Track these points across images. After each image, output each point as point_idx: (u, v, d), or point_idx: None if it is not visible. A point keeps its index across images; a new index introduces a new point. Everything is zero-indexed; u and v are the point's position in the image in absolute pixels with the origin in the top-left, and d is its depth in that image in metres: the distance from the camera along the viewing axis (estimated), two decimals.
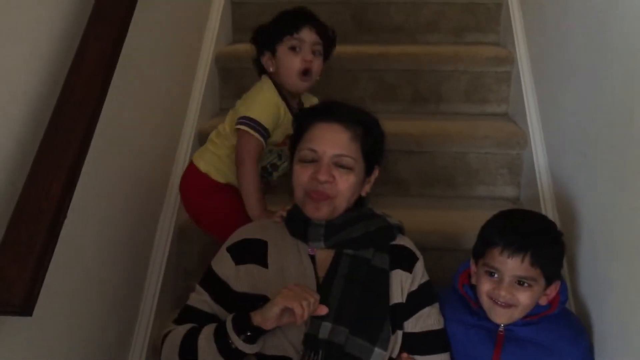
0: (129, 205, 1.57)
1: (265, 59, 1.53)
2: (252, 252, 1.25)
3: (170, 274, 1.78)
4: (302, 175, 1.21)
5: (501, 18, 2.38)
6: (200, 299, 1.23)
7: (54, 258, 1.01)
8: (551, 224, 1.32)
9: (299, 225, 1.25)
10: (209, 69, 2.18)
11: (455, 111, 2.24)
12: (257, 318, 1.09)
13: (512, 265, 1.21)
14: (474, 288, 1.31)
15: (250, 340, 1.10)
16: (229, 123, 1.56)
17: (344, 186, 1.20)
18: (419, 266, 1.28)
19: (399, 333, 1.22)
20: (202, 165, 1.58)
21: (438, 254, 1.70)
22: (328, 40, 1.55)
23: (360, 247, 1.24)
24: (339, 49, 2.28)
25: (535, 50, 2.01)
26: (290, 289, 1.08)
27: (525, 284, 1.23)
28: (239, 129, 1.48)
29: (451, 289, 1.37)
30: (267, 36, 1.51)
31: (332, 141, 1.20)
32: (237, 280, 1.22)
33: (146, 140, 1.68)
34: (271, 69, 1.52)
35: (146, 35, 1.62)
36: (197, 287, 1.26)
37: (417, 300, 1.25)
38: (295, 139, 1.27)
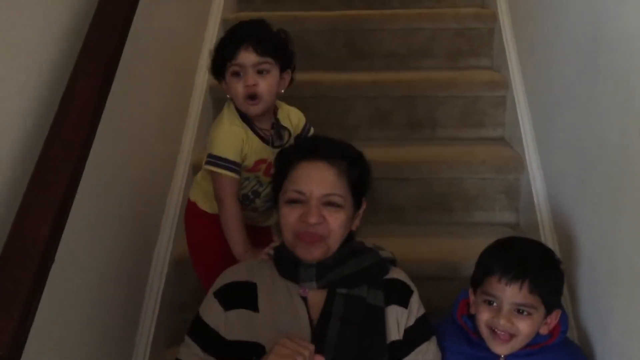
0: (123, 239, 1.55)
1: (223, 87, 1.46)
2: (241, 296, 1.21)
3: (165, 308, 1.75)
4: (290, 217, 1.18)
5: (494, 42, 2.38)
6: (190, 352, 1.19)
7: (42, 302, 0.98)
8: (549, 251, 1.31)
9: (289, 266, 1.22)
10: (203, 99, 2.18)
11: (451, 136, 2.23)
12: None
13: (510, 292, 1.20)
14: (472, 318, 1.28)
15: None
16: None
17: (336, 225, 1.17)
18: (415, 299, 1.25)
19: None
20: (192, 195, 1.57)
21: (436, 282, 1.68)
22: (277, 52, 1.41)
23: (353, 285, 1.21)
24: (333, 76, 2.31)
25: (529, 74, 2.01)
26: (284, 345, 1.03)
27: (525, 312, 1.21)
28: (209, 170, 1.44)
29: (450, 319, 1.35)
30: (214, 65, 1.44)
31: (318, 180, 1.17)
32: (227, 328, 1.18)
33: (140, 173, 1.67)
34: (228, 96, 1.46)
35: (139, 67, 1.61)
36: (187, 339, 1.22)
37: (415, 335, 1.22)
38: (279, 178, 1.23)
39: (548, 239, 1.70)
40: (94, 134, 1.14)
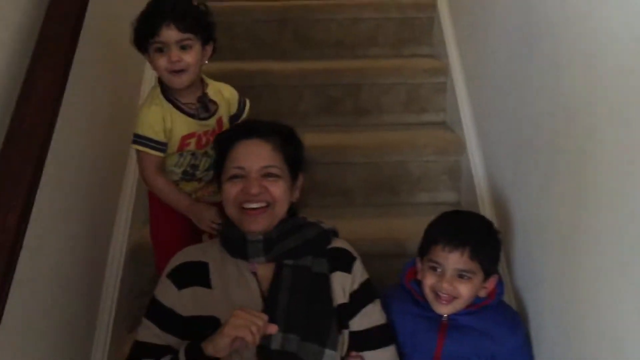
0: (81, 226, 1.58)
1: (146, 59, 1.49)
2: (193, 275, 1.28)
3: (124, 294, 1.79)
4: (232, 190, 1.26)
5: (434, 30, 2.50)
6: (149, 333, 1.24)
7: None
8: (488, 222, 1.44)
9: (237, 244, 1.28)
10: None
11: (396, 122, 2.34)
12: (209, 349, 1.11)
13: (452, 259, 1.32)
14: (419, 283, 1.39)
15: None
16: None
17: (277, 192, 1.26)
18: (357, 265, 1.34)
19: (345, 332, 1.28)
20: None
21: (386, 259, 1.78)
22: (198, 27, 1.43)
23: (299, 256, 1.30)
24: (282, 65, 2.37)
25: (468, 60, 2.13)
26: (238, 316, 1.09)
27: (465, 277, 1.33)
28: (135, 148, 1.50)
29: (398, 286, 1.46)
30: (137, 39, 1.45)
31: (256, 155, 1.27)
32: (182, 306, 1.24)
33: (94, 160, 1.69)
34: (152, 70, 1.50)
35: (92, 59, 1.64)
36: (144, 320, 1.27)
37: (360, 298, 1.31)
38: (219, 160, 1.32)
39: (487, 215, 1.81)
40: (55, 123, 1.17)
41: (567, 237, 1.28)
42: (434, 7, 2.48)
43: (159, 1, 1.44)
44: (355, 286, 1.32)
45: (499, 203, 1.75)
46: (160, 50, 1.42)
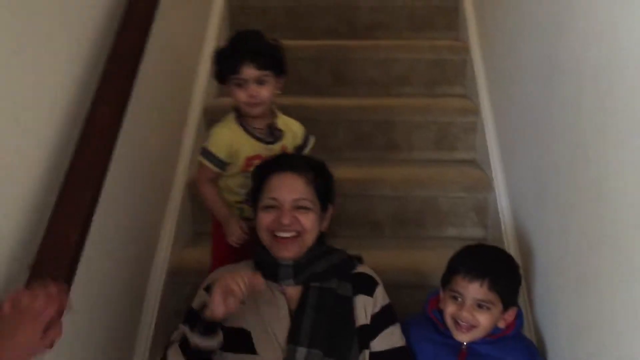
0: (126, 248, 1.69)
1: (227, 89, 1.67)
2: None
3: (163, 314, 1.90)
4: (265, 219, 1.38)
5: (467, 72, 2.59)
6: (180, 332, 1.31)
7: None
8: (508, 256, 1.52)
9: (269, 267, 1.39)
10: (197, 120, 2.35)
11: (426, 158, 2.42)
12: (207, 312, 1.22)
13: (472, 289, 1.39)
14: (441, 312, 1.46)
15: (205, 333, 1.22)
16: None
17: (307, 223, 1.37)
18: (379, 290, 1.43)
19: (366, 352, 1.37)
20: None
21: (411, 290, 1.84)
22: (274, 63, 1.60)
23: (325, 279, 1.39)
24: (318, 101, 2.49)
25: (497, 101, 2.22)
26: (223, 277, 1.22)
27: (484, 307, 1.39)
28: (199, 160, 1.67)
29: (422, 315, 1.53)
30: (218, 76, 1.63)
31: (290, 188, 1.37)
32: None
33: (141, 186, 1.82)
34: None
35: (147, 93, 1.78)
36: (180, 326, 1.35)
37: (380, 320, 1.40)
38: (256, 191, 1.43)
39: (511, 251, 1.88)
40: (112, 151, 1.31)
41: (584, 277, 1.34)
42: (467, 50, 2.58)
43: (239, 41, 1.62)
44: (377, 309, 1.40)
45: (523, 240, 1.81)
46: (239, 85, 1.59)
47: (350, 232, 2.20)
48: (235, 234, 1.64)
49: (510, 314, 1.44)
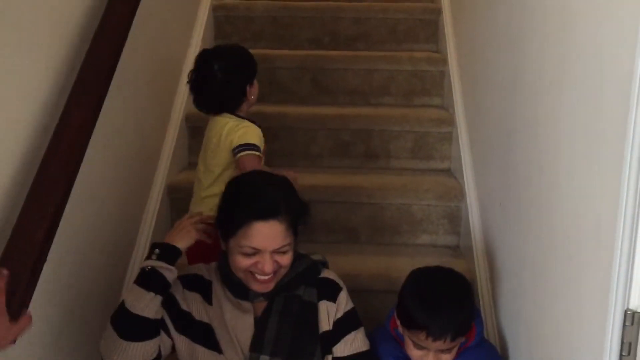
0: (101, 259, 1.74)
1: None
2: (199, 286, 1.40)
3: None
4: (243, 262, 1.28)
5: (444, 83, 2.65)
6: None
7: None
8: (467, 295, 1.43)
9: (239, 289, 1.36)
10: (179, 127, 2.40)
11: (403, 167, 2.47)
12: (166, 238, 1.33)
13: (437, 345, 1.37)
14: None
15: (167, 259, 1.30)
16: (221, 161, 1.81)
17: (286, 262, 1.31)
18: (343, 296, 1.42)
19: (329, 358, 1.38)
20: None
21: (384, 295, 1.89)
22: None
23: (291, 289, 1.39)
24: (299, 110, 2.54)
25: (470, 113, 2.27)
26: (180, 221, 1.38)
27: (449, 350, 1.39)
28: (248, 154, 1.76)
29: (383, 327, 1.54)
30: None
31: (271, 238, 1.27)
32: (183, 300, 1.37)
33: (118, 192, 1.86)
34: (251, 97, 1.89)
35: (124, 96, 1.83)
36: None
37: (343, 326, 1.40)
38: (231, 228, 1.29)
39: (479, 259, 1.93)
40: (84, 153, 1.36)
41: (538, 282, 1.39)
42: (445, 61, 2.64)
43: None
44: (339, 314, 1.41)
45: (489, 248, 1.86)
46: None
47: (327, 237, 2.25)
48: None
49: (471, 331, 1.45)
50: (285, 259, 1.31)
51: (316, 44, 2.93)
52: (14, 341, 1.10)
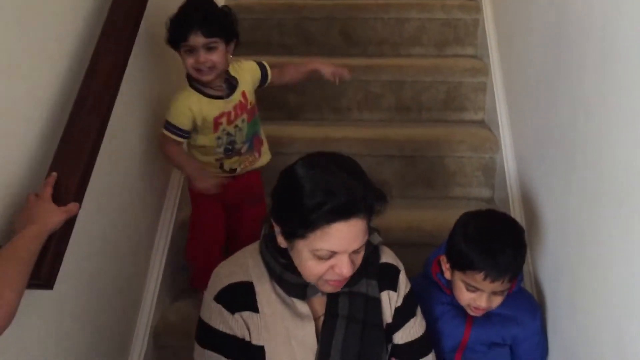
0: (134, 199, 1.73)
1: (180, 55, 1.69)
2: (240, 298, 1.20)
3: (169, 267, 1.94)
4: (317, 269, 1.13)
5: (478, 32, 2.55)
6: None
7: (71, 249, 1.17)
8: (521, 238, 1.40)
9: (295, 288, 1.20)
10: None
11: (435, 118, 2.41)
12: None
13: (493, 286, 1.35)
14: (443, 273, 1.46)
15: None
16: None
17: (360, 261, 1.17)
18: (402, 278, 1.30)
19: (389, 346, 1.30)
20: None
21: (417, 248, 1.84)
22: (223, 31, 1.60)
23: (354, 282, 1.22)
24: (330, 61, 2.46)
25: (506, 62, 2.19)
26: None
27: (501, 292, 1.38)
28: (163, 133, 1.69)
29: (425, 276, 1.53)
30: (170, 41, 1.63)
31: (352, 239, 1.09)
32: (239, 329, 1.20)
33: (148, 131, 1.84)
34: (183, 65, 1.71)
35: (148, 51, 1.79)
36: (201, 350, 1.20)
37: (403, 314, 1.30)
38: (300, 230, 1.09)
39: (516, 211, 1.88)
40: (114, 101, 1.33)
41: (584, 231, 1.34)
42: (479, 9, 2.53)
43: (187, 9, 1.61)
44: (400, 302, 1.29)
45: (527, 199, 1.81)
46: (189, 52, 1.61)
47: None
48: (211, 180, 1.69)
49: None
50: (360, 257, 1.16)
51: None
52: (60, 223, 1.12)
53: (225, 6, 1.68)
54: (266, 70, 1.82)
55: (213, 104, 1.68)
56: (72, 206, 1.15)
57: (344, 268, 1.10)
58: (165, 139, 1.70)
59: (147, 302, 1.81)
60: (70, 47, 1.36)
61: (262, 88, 1.84)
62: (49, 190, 1.13)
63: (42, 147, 1.23)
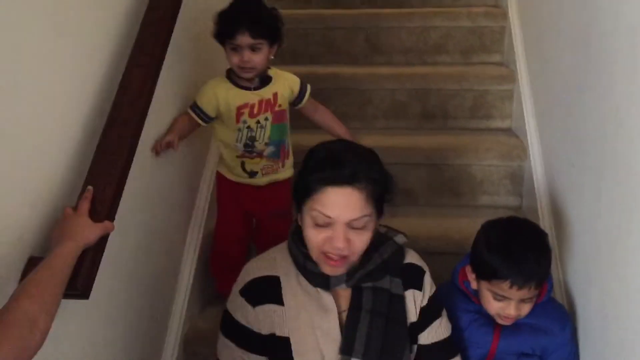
0: (164, 210, 1.76)
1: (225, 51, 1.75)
2: (265, 291, 1.26)
3: (200, 273, 1.96)
4: (316, 238, 1.18)
5: (505, 39, 2.54)
6: (230, 353, 1.27)
7: (105, 258, 1.20)
8: (545, 244, 1.39)
9: (318, 278, 1.25)
10: None
11: (461, 127, 2.41)
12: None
13: (520, 293, 1.34)
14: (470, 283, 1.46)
15: None
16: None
17: (360, 246, 1.18)
18: (427, 279, 1.33)
19: (414, 346, 1.31)
20: (218, 167, 1.93)
21: (444, 257, 1.84)
22: (269, 32, 1.66)
23: (378, 278, 1.27)
24: (353, 70, 2.49)
25: (534, 69, 2.17)
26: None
27: (529, 300, 1.37)
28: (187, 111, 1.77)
29: (452, 284, 1.52)
30: (216, 37, 1.69)
31: (347, 206, 1.14)
32: (259, 323, 1.25)
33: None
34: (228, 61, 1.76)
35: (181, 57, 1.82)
36: (221, 337, 1.29)
37: (428, 314, 1.32)
38: (304, 194, 1.19)
39: (545, 220, 1.86)
40: (146, 113, 1.36)
41: (616, 239, 1.32)
42: (505, 16, 2.52)
43: (237, 7, 1.66)
44: (425, 302, 1.32)
45: (556, 208, 1.79)
46: (234, 49, 1.66)
47: None
48: (170, 135, 1.66)
49: (544, 286, 1.42)
50: (360, 242, 1.17)
51: (369, 2, 2.86)
52: (96, 239, 1.14)
53: (273, 8, 1.72)
54: (305, 91, 1.85)
55: (240, 92, 1.74)
56: (108, 224, 1.17)
57: (339, 240, 1.15)
58: (186, 116, 1.76)
59: (177, 310, 1.84)
60: (103, 62, 1.39)
61: (294, 107, 1.87)
62: (86, 205, 1.16)
63: (76, 159, 1.26)
